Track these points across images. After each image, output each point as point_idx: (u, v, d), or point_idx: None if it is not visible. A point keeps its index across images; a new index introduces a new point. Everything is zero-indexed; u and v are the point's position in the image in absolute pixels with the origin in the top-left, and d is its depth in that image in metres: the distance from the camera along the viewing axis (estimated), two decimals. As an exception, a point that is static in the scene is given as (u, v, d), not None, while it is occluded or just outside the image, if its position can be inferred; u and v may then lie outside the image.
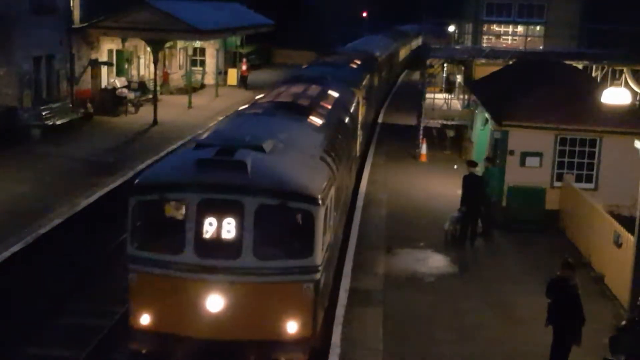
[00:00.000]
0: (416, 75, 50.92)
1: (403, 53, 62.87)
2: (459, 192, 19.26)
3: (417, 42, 74.40)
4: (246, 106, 17.78)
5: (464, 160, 27.58)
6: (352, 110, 21.21)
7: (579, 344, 12.08)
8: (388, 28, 66.66)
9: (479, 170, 19.49)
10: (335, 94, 20.53)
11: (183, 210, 11.29)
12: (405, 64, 65.52)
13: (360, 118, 24.38)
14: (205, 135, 13.99)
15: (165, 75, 43.35)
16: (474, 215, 19.01)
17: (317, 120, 15.93)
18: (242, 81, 49.05)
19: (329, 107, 18.45)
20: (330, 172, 13.00)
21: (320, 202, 11.24)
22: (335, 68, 27.21)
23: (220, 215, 11.03)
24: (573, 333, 12.10)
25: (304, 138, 14.05)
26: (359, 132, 24.33)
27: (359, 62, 32.20)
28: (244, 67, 49.63)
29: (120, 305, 15.26)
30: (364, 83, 27.44)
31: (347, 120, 19.42)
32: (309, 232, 11.23)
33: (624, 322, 12.21)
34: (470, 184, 18.84)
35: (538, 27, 40.92)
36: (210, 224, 11.07)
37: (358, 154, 24.64)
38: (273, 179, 11.15)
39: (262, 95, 20.15)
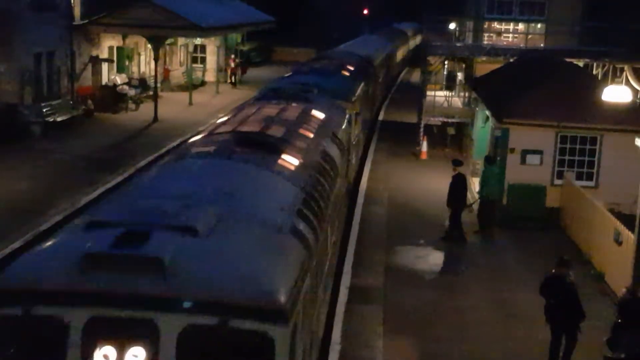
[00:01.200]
0: (416, 75, 50.87)
1: (401, 54, 61.23)
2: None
3: (415, 42, 73.82)
4: (198, 137, 13.09)
5: (464, 157, 27.64)
6: (342, 135, 16.67)
7: (576, 338, 12.16)
8: (386, 27, 66.28)
9: (464, 168, 19.62)
10: (320, 115, 16.09)
11: (62, 335, 6.88)
12: (403, 66, 64.63)
13: (353, 139, 20.61)
14: (110, 202, 9.23)
15: (166, 72, 43.39)
16: (460, 213, 19.10)
17: (291, 161, 11.33)
18: (232, 79, 47.38)
19: (311, 136, 13.78)
20: (304, 254, 8.47)
21: (285, 316, 7.04)
22: (323, 77, 23.21)
23: (121, 343, 6.84)
24: (573, 330, 12.12)
25: (268, 196, 9.45)
26: (353, 155, 20.66)
27: (352, 68, 28.31)
28: (233, 65, 47.99)
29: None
30: (357, 94, 23.80)
31: (334, 152, 14.42)
32: None
33: (619, 320, 12.23)
34: (457, 182, 18.95)
35: (539, 25, 40.89)
36: (106, 358, 6.88)
37: (351, 181, 20.88)
38: (208, 282, 6.94)
39: (224, 119, 15.21)
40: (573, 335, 12.18)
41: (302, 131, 13.79)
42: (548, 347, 12.39)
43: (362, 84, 26.67)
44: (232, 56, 49.07)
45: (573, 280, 12.33)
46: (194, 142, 12.71)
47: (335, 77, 24.61)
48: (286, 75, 26.73)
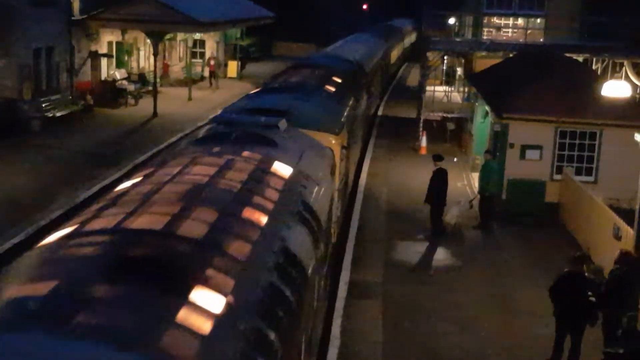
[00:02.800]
0: (415, 74, 50.71)
1: (397, 53, 59.21)
2: (459, 184, 19.31)
3: (410, 39, 73.07)
4: (42, 249, 6.54)
5: (464, 152, 27.66)
6: (318, 198, 10.48)
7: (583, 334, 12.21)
8: (381, 24, 65.55)
9: (445, 163, 19.58)
10: (285, 171, 10.15)
11: None
12: (400, 65, 63.53)
13: (339, 184, 15.55)
14: None
15: (165, 67, 43.32)
16: (441, 209, 19.03)
17: (211, 308, 5.53)
18: (210, 81, 44.45)
19: (264, 220, 7.99)
20: None
21: None
22: (298, 96, 16.91)
23: None
24: (584, 327, 12.09)
25: None
26: (338, 204, 15.48)
27: (339, 80, 22.12)
28: (212, 62, 45.24)
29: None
30: (345, 118, 17.73)
31: (302, 247, 8.33)
32: None
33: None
34: (437, 178, 18.94)
35: (538, 20, 40.82)
36: None
37: (335, 239, 15.12)
38: None
39: (124, 186, 8.64)
40: (582, 331, 12.13)
41: (248, 214, 7.98)
42: (547, 341, 12.39)
43: (352, 101, 20.84)
44: (212, 53, 46.99)
45: (594, 279, 12.34)
46: (20, 269, 6.14)
47: (316, 96, 18.09)
48: (252, 92, 20.03)
